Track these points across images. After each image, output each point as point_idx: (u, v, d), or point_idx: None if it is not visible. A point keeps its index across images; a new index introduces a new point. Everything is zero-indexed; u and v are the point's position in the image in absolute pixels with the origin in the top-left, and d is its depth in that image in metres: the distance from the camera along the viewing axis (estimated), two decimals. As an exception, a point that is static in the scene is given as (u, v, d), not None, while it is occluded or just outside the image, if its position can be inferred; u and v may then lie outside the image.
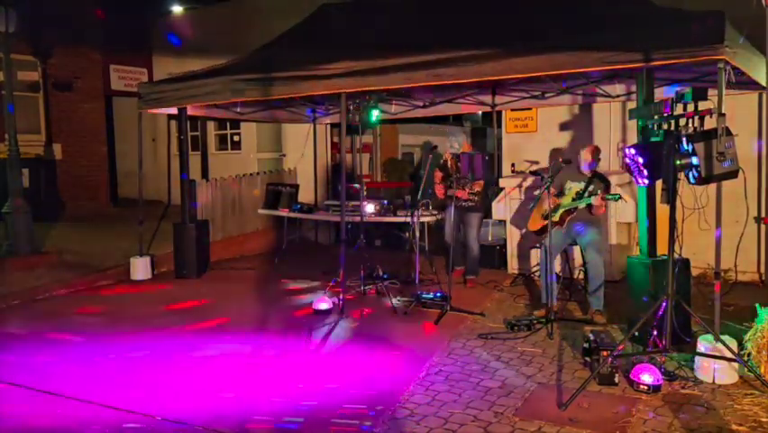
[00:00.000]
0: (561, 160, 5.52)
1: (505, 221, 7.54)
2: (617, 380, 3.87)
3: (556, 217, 5.52)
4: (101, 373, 4.30)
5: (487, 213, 7.85)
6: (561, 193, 5.64)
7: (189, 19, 12.75)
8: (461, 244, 6.90)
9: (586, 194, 5.47)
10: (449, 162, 6.74)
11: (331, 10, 7.01)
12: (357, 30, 6.32)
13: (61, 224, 9.60)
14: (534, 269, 6.90)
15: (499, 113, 8.33)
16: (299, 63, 5.78)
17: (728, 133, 3.58)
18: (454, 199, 6.35)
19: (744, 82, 4.90)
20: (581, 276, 6.19)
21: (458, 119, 14.81)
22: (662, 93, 5.66)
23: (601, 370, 3.86)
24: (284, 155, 11.15)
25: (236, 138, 12.72)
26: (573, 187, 5.60)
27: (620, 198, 5.34)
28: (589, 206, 5.40)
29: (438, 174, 6.82)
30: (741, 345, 3.99)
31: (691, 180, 3.71)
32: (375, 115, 6.78)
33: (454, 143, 6.70)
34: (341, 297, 5.76)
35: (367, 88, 5.54)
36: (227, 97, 6.38)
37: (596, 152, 5.59)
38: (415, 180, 10.93)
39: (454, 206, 6.39)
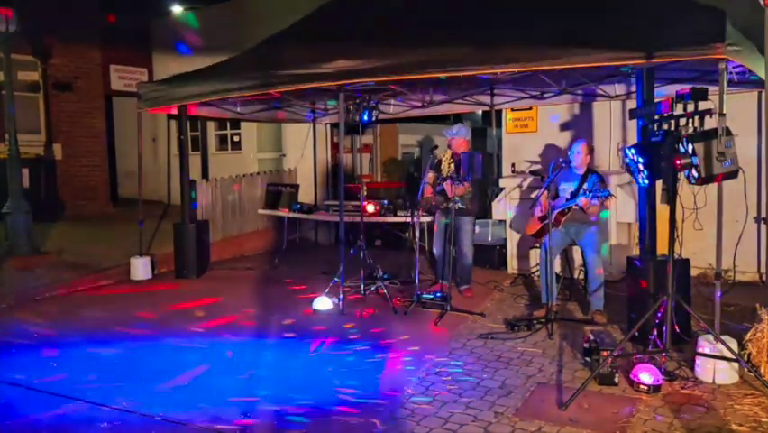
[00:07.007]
0: (561, 160, 5.51)
1: (505, 221, 7.54)
2: (617, 380, 3.88)
3: (551, 219, 5.50)
4: (101, 372, 4.30)
5: (485, 214, 7.84)
6: (557, 195, 5.63)
7: (189, 19, 12.74)
8: (449, 254, 6.20)
9: (580, 192, 5.44)
10: (444, 163, 6.21)
11: (333, 7, 6.98)
12: (359, 28, 6.30)
13: (61, 224, 9.60)
14: (534, 269, 6.90)
15: (499, 113, 8.32)
16: (300, 62, 5.77)
17: (728, 132, 3.58)
18: (445, 201, 5.98)
19: (744, 81, 4.89)
20: (582, 276, 6.19)
21: (458, 119, 14.80)
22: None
23: (601, 370, 3.86)
24: (284, 155, 11.13)
25: (236, 138, 12.71)
26: (567, 187, 5.59)
27: (609, 195, 5.15)
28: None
29: (431, 175, 6.24)
30: (741, 346, 3.99)
31: (691, 181, 3.71)
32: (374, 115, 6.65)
33: (452, 139, 6.20)
34: (341, 297, 5.76)
35: (366, 80, 5.51)
36: (227, 97, 6.37)
37: (587, 149, 5.57)
38: (410, 181, 10.88)
39: (443, 209, 6.13)
